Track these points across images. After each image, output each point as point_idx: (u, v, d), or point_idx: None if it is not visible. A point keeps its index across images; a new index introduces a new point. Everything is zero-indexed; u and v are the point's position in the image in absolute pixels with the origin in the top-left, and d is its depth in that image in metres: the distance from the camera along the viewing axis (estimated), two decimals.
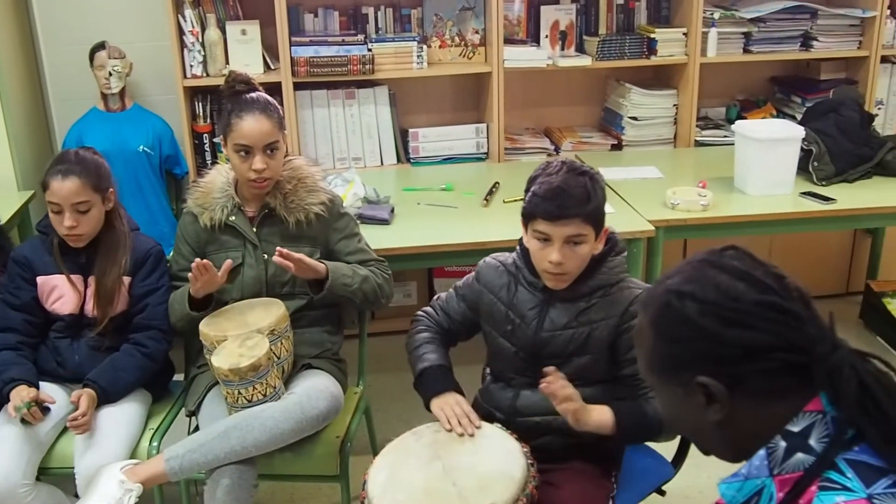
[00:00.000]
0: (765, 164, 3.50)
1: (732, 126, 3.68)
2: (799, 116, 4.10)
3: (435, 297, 2.53)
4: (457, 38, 4.11)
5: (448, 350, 2.46)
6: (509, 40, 4.05)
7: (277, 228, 2.70)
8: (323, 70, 3.82)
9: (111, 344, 2.69)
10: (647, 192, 3.54)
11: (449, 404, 2.22)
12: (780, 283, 1.25)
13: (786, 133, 3.54)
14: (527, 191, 2.16)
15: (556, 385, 2.04)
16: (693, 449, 1.78)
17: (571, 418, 2.06)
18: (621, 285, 2.22)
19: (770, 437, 1.23)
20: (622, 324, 2.18)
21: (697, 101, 4.20)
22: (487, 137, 4.12)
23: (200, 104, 3.84)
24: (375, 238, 3.01)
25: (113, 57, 3.72)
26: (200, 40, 3.72)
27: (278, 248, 2.53)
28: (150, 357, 2.68)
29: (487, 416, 2.31)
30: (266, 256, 2.70)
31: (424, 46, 3.98)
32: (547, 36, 4.15)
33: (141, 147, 3.78)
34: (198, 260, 2.53)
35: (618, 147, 4.28)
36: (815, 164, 3.64)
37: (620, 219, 3.25)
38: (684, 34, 4.11)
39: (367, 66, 3.85)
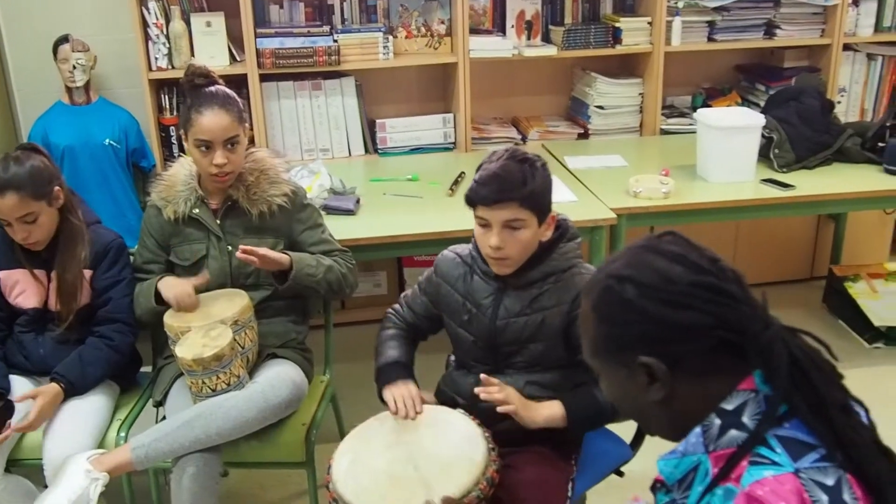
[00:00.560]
0: (726, 152, 3.55)
1: (694, 114, 3.73)
2: (763, 104, 4.15)
3: (402, 294, 2.57)
4: (423, 29, 4.13)
5: (414, 345, 2.50)
6: (475, 30, 4.08)
7: (241, 220, 2.72)
8: (289, 62, 3.83)
9: (77, 337, 2.70)
10: (611, 180, 3.58)
11: (399, 390, 2.27)
12: (716, 266, 1.29)
13: (746, 121, 3.59)
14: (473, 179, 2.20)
15: (491, 392, 2.12)
16: None
17: (517, 418, 2.12)
18: (573, 271, 2.25)
19: (707, 415, 1.28)
20: (574, 309, 2.21)
21: (663, 89, 4.25)
22: (454, 127, 4.15)
23: (166, 97, 3.85)
24: (341, 228, 3.03)
25: (77, 50, 3.71)
26: (165, 32, 3.72)
27: (241, 245, 2.56)
28: (116, 350, 2.69)
29: (450, 402, 2.35)
30: (230, 248, 2.72)
31: (390, 37, 4.00)
32: (513, 26, 4.18)
33: (107, 140, 3.78)
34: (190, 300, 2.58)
35: (584, 136, 4.32)
36: (776, 151, 3.69)
37: (583, 207, 3.29)
38: (649, 23, 4.15)
39: (333, 58, 3.86)
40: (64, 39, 3.72)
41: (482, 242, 2.20)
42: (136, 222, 3.72)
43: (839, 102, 4.42)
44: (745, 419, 1.25)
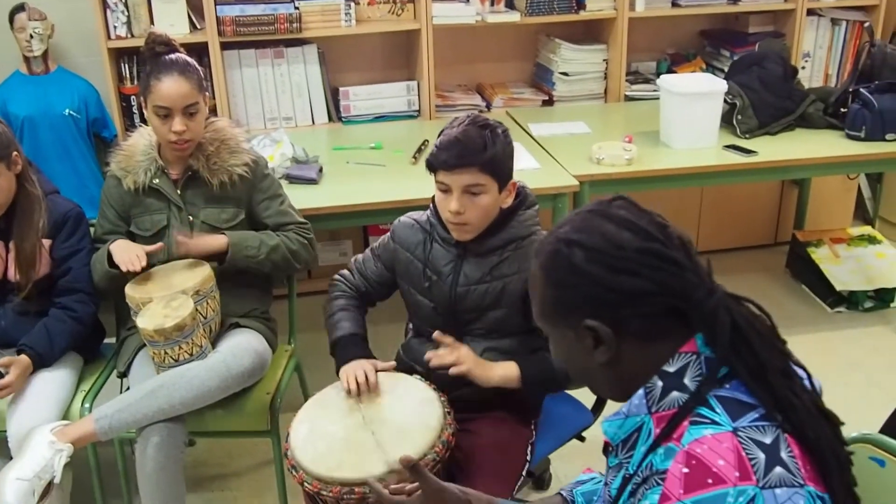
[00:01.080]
0: (688, 118, 3.56)
1: (658, 80, 3.73)
2: (727, 70, 4.17)
3: (353, 259, 2.55)
4: None
5: (364, 314, 2.49)
6: None
7: (201, 190, 2.71)
8: (250, 29, 3.80)
9: (37, 308, 2.69)
10: (575, 147, 3.59)
11: (353, 370, 2.25)
12: (664, 232, 1.30)
13: (709, 87, 3.60)
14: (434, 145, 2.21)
15: (441, 357, 2.14)
16: None
17: (471, 377, 2.14)
18: (532, 238, 2.26)
19: (651, 377, 1.30)
20: None
21: (627, 55, 4.26)
22: (419, 95, 4.14)
23: (126, 66, 3.80)
24: (304, 198, 3.03)
25: (33, 18, 3.66)
26: (123, 0, 3.67)
27: (175, 238, 2.58)
28: (79, 321, 2.68)
29: (408, 370, 2.36)
30: (191, 218, 2.71)
31: (352, 3, 3.96)
32: None
33: (67, 111, 3.74)
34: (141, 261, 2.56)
35: (549, 103, 4.32)
36: (739, 117, 3.71)
37: (546, 174, 3.31)
38: None
39: (295, 25, 3.83)
40: (20, 8, 3.66)
41: (442, 207, 2.20)
42: (98, 193, 3.64)
43: (803, 68, 4.45)
44: (687, 381, 1.27)
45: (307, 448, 2.05)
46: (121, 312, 2.88)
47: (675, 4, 4.26)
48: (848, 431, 1.77)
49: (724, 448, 1.19)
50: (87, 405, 2.65)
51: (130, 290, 2.56)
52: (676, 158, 3.50)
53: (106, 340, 2.96)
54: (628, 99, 4.34)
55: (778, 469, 1.19)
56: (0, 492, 2.27)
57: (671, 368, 1.28)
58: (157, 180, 2.70)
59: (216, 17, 3.75)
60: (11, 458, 2.48)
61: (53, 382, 2.63)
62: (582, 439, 2.54)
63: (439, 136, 2.19)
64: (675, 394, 1.27)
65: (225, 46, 3.86)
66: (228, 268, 2.65)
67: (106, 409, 2.45)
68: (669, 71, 4.39)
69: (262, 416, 2.61)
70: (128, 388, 2.63)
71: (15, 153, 2.57)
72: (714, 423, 1.22)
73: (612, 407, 1.40)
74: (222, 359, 2.50)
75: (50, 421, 2.49)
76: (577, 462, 3.06)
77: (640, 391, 1.30)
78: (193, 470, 3.21)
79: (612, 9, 4.16)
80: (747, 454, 1.18)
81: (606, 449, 1.43)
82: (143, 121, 3.66)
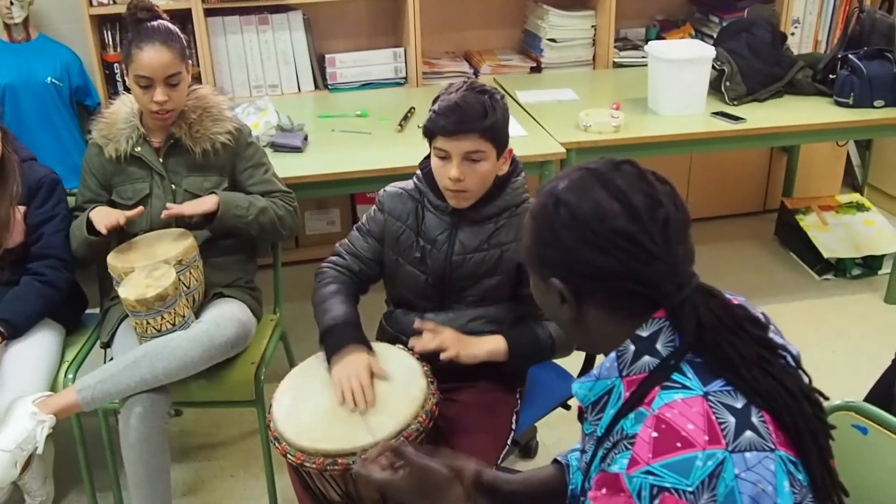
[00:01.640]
0: (676, 85, 3.54)
1: (646, 47, 3.70)
2: (716, 36, 4.13)
3: (338, 244, 2.45)
4: None
5: (356, 298, 2.39)
6: None
7: (184, 159, 2.68)
8: None
9: (11, 277, 2.66)
10: (562, 114, 3.56)
11: (348, 375, 2.09)
12: (652, 213, 1.27)
13: (697, 53, 3.57)
14: (430, 110, 2.17)
15: (424, 343, 2.12)
16: None
17: (457, 360, 2.12)
18: (525, 206, 2.25)
19: (620, 341, 1.29)
20: None
21: (616, 22, 4.21)
22: (405, 62, 4.10)
23: (109, 33, 3.75)
24: (289, 166, 3.00)
25: None
26: None
27: (164, 213, 2.55)
28: (49, 285, 2.65)
29: (392, 341, 2.34)
30: (174, 187, 2.68)
31: None
32: None
33: (49, 78, 3.69)
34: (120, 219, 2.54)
35: (537, 70, 4.29)
36: (727, 83, 3.69)
37: (533, 141, 3.28)
38: None
39: None
40: None
41: (440, 175, 2.17)
42: (82, 162, 3.66)
43: (793, 34, 4.41)
44: (659, 346, 1.27)
45: (290, 419, 2.04)
46: (104, 282, 2.85)
47: None
48: (832, 399, 1.78)
49: (694, 412, 1.19)
50: (70, 376, 2.63)
51: (113, 260, 2.54)
52: (664, 125, 3.48)
53: (89, 311, 2.95)
54: (617, 66, 4.31)
55: (748, 433, 1.19)
56: None
57: (644, 333, 1.28)
58: (139, 148, 2.67)
59: None
60: None
61: (38, 353, 2.61)
62: (567, 408, 2.54)
63: (436, 101, 2.15)
64: (646, 358, 1.27)
65: (209, 13, 3.81)
66: (217, 228, 2.61)
67: (88, 379, 2.43)
68: (658, 37, 4.36)
69: (247, 386, 2.60)
70: (111, 359, 2.61)
71: None
72: (685, 387, 1.22)
73: None
74: (205, 329, 2.48)
75: (36, 392, 2.48)
76: (563, 430, 3.07)
77: (613, 354, 1.30)
78: (180, 440, 3.21)
79: None
80: (717, 418, 1.18)
81: (581, 415, 1.42)
82: (127, 89, 3.64)
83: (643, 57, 4.12)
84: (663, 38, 4.30)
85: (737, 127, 3.47)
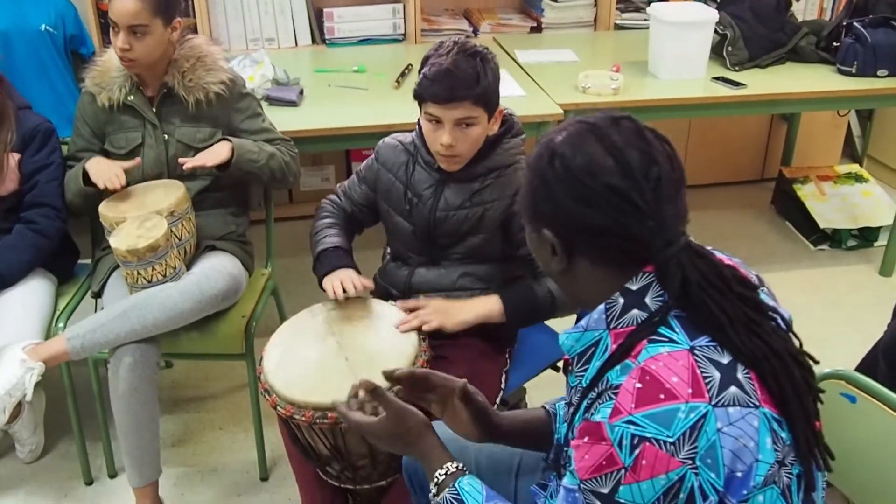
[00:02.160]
0: (677, 49, 3.50)
1: (648, 9, 3.66)
2: (719, 0, 4.09)
3: (339, 185, 2.52)
4: None
5: (351, 235, 2.45)
6: None
7: (177, 108, 2.65)
8: None
9: (6, 225, 2.64)
10: (561, 75, 3.53)
11: (338, 277, 2.22)
12: (645, 171, 1.26)
13: (700, 17, 3.53)
14: (420, 71, 2.14)
15: (409, 323, 2.12)
16: None
17: (444, 329, 2.13)
18: (516, 167, 2.23)
19: (609, 295, 1.29)
20: (514, 204, 2.20)
21: None
22: (404, 18, 4.05)
23: None
24: (283, 120, 2.97)
25: None
26: None
27: (186, 164, 2.52)
28: (41, 234, 2.63)
29: (384, 295, 2.35)
30: (166, 137, 2.66)
31: None
32: None
33: (43, 26, 3.64)
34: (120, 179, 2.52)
35: (537, 30, 4.24)
36: (729, 48, 3.65)
37: (531, 102, 3.25)
38: None
39: None
40: None
41: (432, 140, 2.15)
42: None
43: (798, 0, 4.36)
44: (648, 300, 1.27)
45: (280, 372, 2.04)
46: (96, 232, 2.84)
47: None
48: (822, 368, 1.78)
49: (679, 365, 1.19)
50: (60, 325, 2.63)
51: (104, 210, 2.52)
52: (663, 89, 3.45)
53: (81, 261, 2.93)
54: (618, 28, 4.27)
55: (733, 388, 1.19)
56: None
57: (634, 286, 1.28)
58: (132, 97, 2.65)
59: None
60: None
61: (30, 302, 2.60)
62: (557, 369, 2.54)
63: (425, 63, 2.12)
64: (635, 311, 1.27)
65: None
66: (232, 174, 2.58)
67: (78, 328, 2.42)
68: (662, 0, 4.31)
69: (237, 339, 2.59)
70: (102, 309, 2.60)
71: None
72: (672, 341, 1.22)
73: None
74: (195, 281, 2.47)
75: (28, 339, 2.47)
76: (552, 392, 3.03)
77: (602, 306, 1.30)
78: (170, 392, 3.21)
79: None
80: (702, 372, 1.19)
81: (567, 368, 1.42)
82: None
83: (645, 19, 4.09)
84: (666, 1, 4.25)
85: (737, 93, 3.44)
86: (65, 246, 2.80)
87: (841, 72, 3.64)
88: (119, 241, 2.40)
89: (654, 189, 1.25)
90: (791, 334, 1.33)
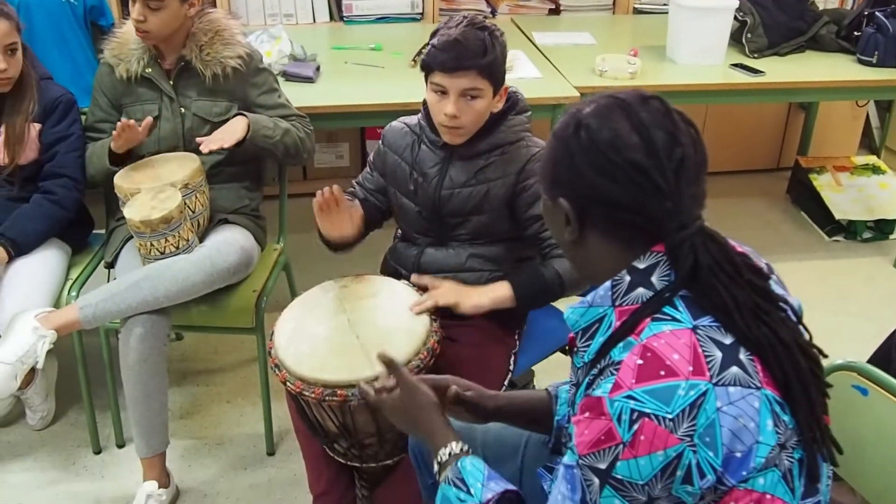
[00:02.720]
0: (697, 34, 3.48)
1: None
2: None
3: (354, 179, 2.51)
4: None
5: (364, 219, 2.40)
6: None
7: (194, 82, 2.66)
8: None
9: (23, 194, 2.66)
10: (578, 58, 3.52)
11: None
12: (669, 151, 1.26)
13: (720, 2, 3.51)
14: (429, 43, 2.14)
15: (422, 304, 2.13)
16: None
17: (458, 311, 2.13)
18: (520, 144, 2.22)
19: (617, 272, 1.29)
20: (519, 182, 2.20)
21: None
22: None
23: None
24: (300, 96, 2.97)
25: None
26: None
27: (203, 144, 2.52)
28: (58, 204, 2.65)
29: (394, 274, 2.35)
30: (182, 110, 2.66)
31: None
32: None
33: None
34: (123, 120, 2.50)
35: (556, 12, 4.23)
36: (749, 35, 3.63)
37: (547, 84, 3.24)
38: None
39: None
40: None
41: (436, 110, 2.15)
42: None
43: None
44: (654, 279, 1.26)
45: (290, 348, 2.04)
46: (110, 203, 2.85)
47: None
48: (834, 359, 1.77)
49: (681, 343, 1.19)
50: (73, 294, 2.64)
51: (119, 181, 2.53)
52: (681, 74, 3.44)
53: (95, 231, 2.94)
54: (637, 12, 4.25)
55: (734, 369, 1.19)
56: None
57: (641, 265, 1.28)
58: (150, 70, 2.65)
59: None
60: None
61: (43, 270, 2.62)
62: (566, 353, 2.53)
63: (434, 35, 2.13)
64: (640, 290, 1.27)
65: None
66: (247, 149, 2.58)
67: (90, 297, 2.44)
68: None
69: (248, 313, 2.60)
70: (114, 279, 2.62)
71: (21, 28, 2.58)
72: (675, 320, 1.23)
73: None
74: (207, 254, 2.48)
75: (40, 307, 2.48)
76: (561, 375, 3.03)
77: (608, 283, 1.30)
78: (179, 364, 3.23)
79: None
80: (703, 351, 1.19)
81: (572, 349, 1.42)
82: None
83: (664, 4, 4.07)
84: None
85: (755, 80, 3.42)
86: (80, 216, 2.82)
87: (861, 62, 3.62)
88: (133, 211, 2.41)
89: (676, 170, 1.25)
90: (801, 325, 1.33)
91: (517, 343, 2.34)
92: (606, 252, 1.31)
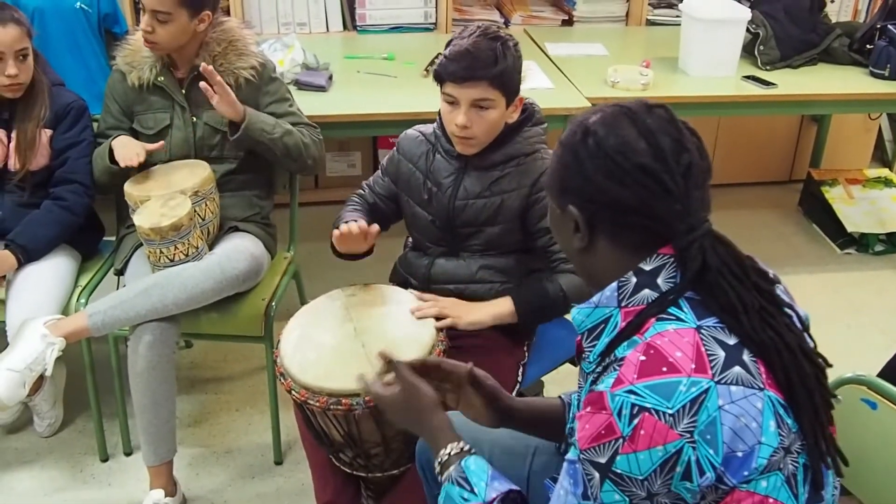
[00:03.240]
0: (709, 46, 3.48)
1: (680, 5, 3.63)
2: None
3: (364, 182, 2.51)
4: None
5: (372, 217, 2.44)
6: None
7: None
8: None
9: (34, 200, 2.67)
10: (590, 68, 3.51)
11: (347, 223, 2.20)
12: (676, 156, 1.28)
13: (732, 14, 3.51)
14: (442, 55, 2.15)
15: (425, 310, 2.13)
16: None
17: (459, 327, 2.14)
18: (535, 156, 2.22)
19: (624, 274, 1.31)
20: (532, 194, 2.20)
21: None
22: (436, 7, 4.05)
23: None
24: (312, 105, 2.98)
25: None
26: None
27: (203, 64, 2.51)
28: (69, 210, 2.66)
29: (403, 283, 2.35)
30: (194, 119, 2.67)
31: None
32: None
33: (78, 4, 3.65)
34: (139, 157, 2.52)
35: (568, 23, 4.23)
36: (761, 47, 3.62)
37: (559, 94, 3.24)
38: None
39: None
40: None
41: (448, 120, 2.16)
42: None
43: (832, 1, 4.32)
44: (660, 281, 1.28)
45: (296, 356, 2.04)
46: (121, 210, 2.86)
47: None
48: (844, 372, 1.76)
49: (684, 342, 1.21)
50: (82, 301, 2.65)
51: (129, 188, 2.54)
52: (693, 86, 3.43)
53: (105, 238, 2.95)
54: (650, 23, 4.24)
55: (737, 368, 1.20)
56: None
57: (647, 267, 1.29)
58: (162, 78, 2.66)
59: None
60: None
61: (52, 277, 2.63)
62: (576, 364, 2.52)
63: (448, 46, 2.13)
64: (646, 291, 1.28)
65: None
66: (243, 139, 2.56)
67: (99, 305, 2.44)
68: None
69: (257, 321, 2.60)
70: (124, 286, 2.62)
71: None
72: (679, 320, 1.24)
73: None
74: (217, 261, 2.48)
75: (48, 314, 2.49)
76: (570, 386, 3.02)
77: (614, 284, 1.31)
78: (188, 371, 3.23)
79: None
80: (706, 350, 1.20)
81: (580, 355, 1.43)
82: None
83: (677, 16, 4.05)
84: None
85: (767, 92, 3.41)
86: (90, 222, 2.83)
87: (873, 74, 3.60)
88: (143, 218, 2.41)
89: (685, 174, 1.27)
90: (806, 334, 1.33)
91: (526, 354, 2.34)
92: (615, 258, 1.32)
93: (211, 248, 2.59)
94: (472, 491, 1.42)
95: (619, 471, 1.18)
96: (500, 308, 2.19)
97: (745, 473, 1.17)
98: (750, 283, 1.27)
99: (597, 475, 1.20)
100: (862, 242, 4.21)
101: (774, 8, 3.69)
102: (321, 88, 3.22)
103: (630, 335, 1.26)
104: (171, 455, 2.54)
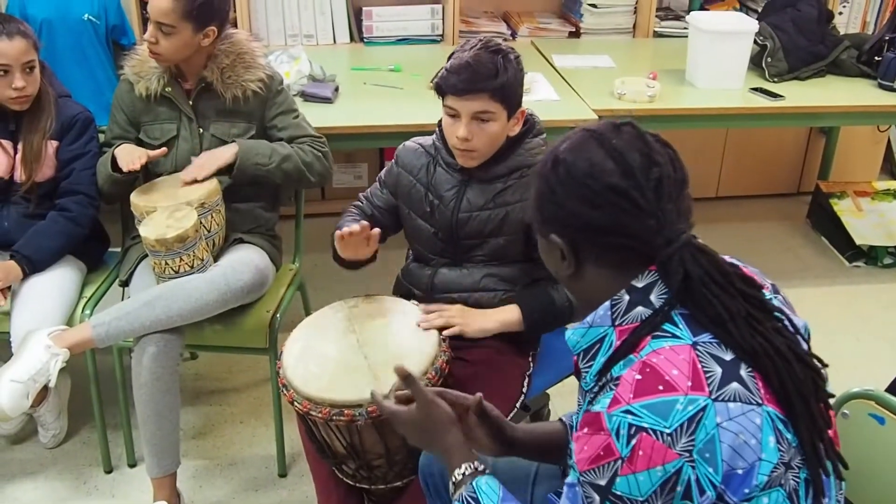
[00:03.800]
0: (716, 58, 3.47)
1: (687, 17, 3.63)
2: (760, 10, 4.04)
3: (361, 193, 2.50)
4: None
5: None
6: None
7: (213, 103, 2.66)
8: None
9: (40, 211, 2.68)
10: (597, 81, 3.51)
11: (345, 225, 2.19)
12: (646, 171, 1.28)
13: (739, 26, 3.50)
14: (443, 68, 2.15)
15: (430, 322, 2.13)
16: None
17: (465, 334, 2.14)
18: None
19: (614, 295, 1.30)
20: None
21: None
22: (443, 19, 4.05)
23: None
24: (318, 116, 2.98)
25: None
26: None
27: (184, 176, 2.54)
28: (74, 221, 2.66)
29: (406, 294, 2.34)
30: (201, 131, 2.67)
31: None
32: None
33: (86, 15, 3.67)
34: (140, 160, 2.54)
35: (576, 35, 4.23)
36: (769, 59, 3.61)
37: (565, 106, 3.24)
38: None
39: None
40: None
41: (449, 133, 2.16)
42: None
43: (840, 13, 4.32)
44: (653, 297, 1.28)
45: (299, 367, 2.03)
46: (126, 221, 2.86)
47: None
48: (851, 386, 1.75)
49: (680, 359, 1.20)
50: (87, 312, 2.65)
51: (135, 199, 2.54)
52: (700, 98, 3.42)
53: (110, 249, 2.96)
54: (657, 35, 4.23)
55: (735, 385, 1.19)
56: None
57: (639, 284, 1.29)
58: (170, 89, 2.66)
59: None
60: None
61: (57, 287, 2.63)
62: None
63: (450, 58, 2.13)
64: (639, 309, 1.28)
65: None
66: (238, 177, 2.59)
67: (104, 316, 2.44)
68: (702, 8, 4.27)
69: (261, 333, 2.60)
70: (129, 298, 2.62)
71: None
72: (675, 336, 1.23)
73: None
74: (222, 273, 2.48)
75: (53, 325, 2.49)
76: (576, 399, 3.04)
77: (607, 303, 1.31)
78: (193, 383, 3.22)
79: None
80: (703, 367, 1.19)
81: (578, 372, 1.42)
82: None
83: (685, 28, 4.05)
84: (706, 10, 4.21)
85: (775, 104, 3.40)
86: (95, 234, 2.83)
87: (882, 86, 3.59)
88: (148, 230, 2.41)
89: (655, 188, 1.27)
90: (800, 337, 1.32)
91: (531, 365, 2.33)
92: (605, 280, 1.32)
93: (216, 259, 2.59)
94: None
95: (618, 493, 1.17)
96: (508, 315, 2.19)
97: (746, 491, 1.16)
98: (735, 290, 1.26)
99: (597, 498, 1.19)
100: (871, 255, 4.19)
101: (782, 19, 3.68)
102: (327, 100, 3.22)
103: (626, 354, 1.25)
104: (174, 467, 2.53)
